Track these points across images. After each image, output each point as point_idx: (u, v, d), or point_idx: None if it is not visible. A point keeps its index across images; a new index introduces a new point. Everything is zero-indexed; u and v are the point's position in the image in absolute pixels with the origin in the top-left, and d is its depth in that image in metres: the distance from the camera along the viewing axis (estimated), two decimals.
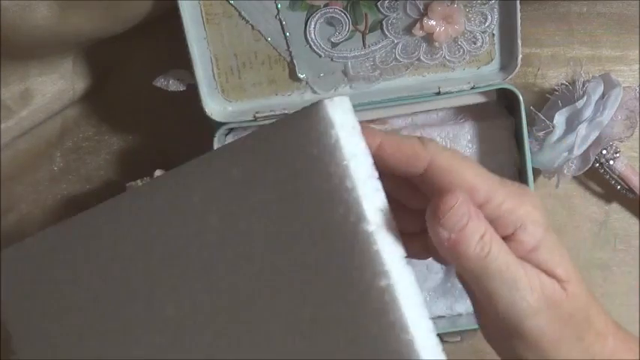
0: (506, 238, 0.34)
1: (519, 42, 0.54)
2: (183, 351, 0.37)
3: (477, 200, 0.34)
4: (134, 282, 0.38)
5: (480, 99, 0.56)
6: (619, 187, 0.59)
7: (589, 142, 0.55)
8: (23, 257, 0.43)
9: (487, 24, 0.54)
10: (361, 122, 0.34)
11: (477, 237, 0.33)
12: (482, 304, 0.35)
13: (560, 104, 0.57)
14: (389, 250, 0.32)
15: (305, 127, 0.33)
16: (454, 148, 0.57)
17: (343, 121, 0.33)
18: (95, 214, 0.41)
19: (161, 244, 0.37)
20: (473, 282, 0.34)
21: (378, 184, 0.33)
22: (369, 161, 0.34)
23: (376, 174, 0.34)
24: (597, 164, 0.58)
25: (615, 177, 0.59)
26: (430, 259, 0.37)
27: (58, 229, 0.42)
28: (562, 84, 0.58)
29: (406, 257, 0.33)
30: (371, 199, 0.33)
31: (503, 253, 0.33)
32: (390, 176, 0.35)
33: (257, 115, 0.55)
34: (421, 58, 0.56)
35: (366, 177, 0.33)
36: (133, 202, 0.39)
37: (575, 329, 0.34)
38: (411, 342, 0.31)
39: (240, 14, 0.54)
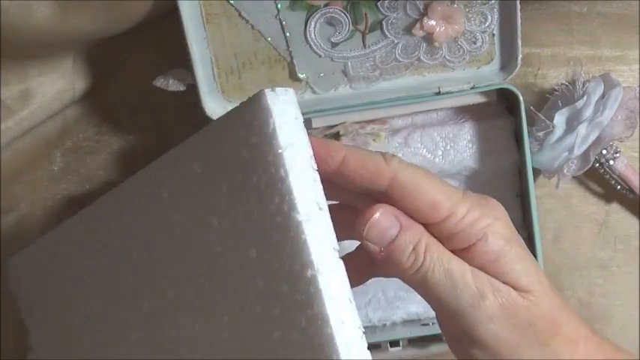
0: (466, 250, 0.34)
1: (519, 42, 0.54)
2: (156, 346, 0.38)
3: (440, 215, 0.34)
4: (120, 280, 0.39)
5: (480, 99, 0.56)
6: (619, 187, 0.59)
7: (589, 142, 0.55)
8: (29, 261, 0.44)
9: (487, 24, 0.54)
10: (324, 136, 0.35)
11: (409, 248, 0.33)
12: (435, 312, 0.35)
13: (560, 104, 0.57)
14: (318, 241, 0.32)
15: (248, 117, 0.34)
16: (454, 148, 0.57)
17: (283, 111, 0.33)
18: (85, 215, 0.41)
19: (140, 241, 0.38)
20: (418, 292, 0.34)
21: (316, 176, 0.34)
22: (308, 152, 0.34)
23: (315, 166, 0.34)
24: (597, 164, 0.58)
25: (615, 177, 0.59)
26: None
27: (55, 232, 0.43)
28: (562, 84, 0.58)
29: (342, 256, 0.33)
30: (305, 189, 0.33)
31: (442, 260, 0.33)
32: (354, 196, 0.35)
33: None
34: (421, 58, 0.56)
35: (302, 167, 0.33)
36: (115, 201, 0.39)
37: (537, 336, 0.34)
38: (331, 336, 0.31)
39: (240, 14, 0.54)
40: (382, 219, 0.32)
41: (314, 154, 0.34)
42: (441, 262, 0.33)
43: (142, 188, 0.38)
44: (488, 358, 0.34)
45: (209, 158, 0.35)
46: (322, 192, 0.34)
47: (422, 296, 0.34)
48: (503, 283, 0.34)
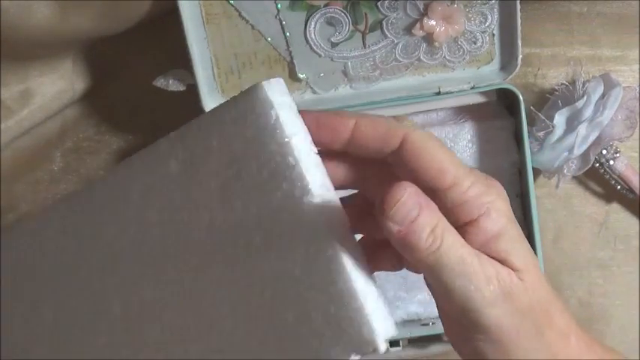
0: (468, 224, 0.34)
1: (519, 42, 0.54)
2: (131, 349, 0.37)
3: (445, 182, 0.34)
4: (84, 282, 0.39)
5: (480, 99, 0.56)
6: (619, 187, 0.59)
7: (589, 142, 0.56)
8: (7, 246, 0.43)
9: (487, 24, 0.54)
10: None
11: (427, 229, 0.32)
12: (439, 298, 0.35)
13: (560, 104, 0.57)
14: (334, 221, 0.33)
15: (242, 110, 0.34)
16: (454, 148, 0.57)
17: (281, 101, 0.34)
18: (58, 208, 0.41)
19: (106, 243, 0.38)
20: (427, 275, 0.34)
21: (318, 160, 0.34)
22: (308, 138, 0.34)
23: (315, 150, 0.34)
24: (597, 164, 0.58)
25: (615, 177, 0.59)
26: None
27: (31, 221, 0.42)
28: (562, 84, 0.59)
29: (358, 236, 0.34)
30: (313, 173, 0.33)
31: (456, 245, 0.33)
32: (364, 183, 0.36)
33: None
34: (421, 58, 0.56)
35: (307, 153, 0.34)
36: (86, 197, 0.39)
37: (534, 323, 0.34)
38: (361, 308, 0.32)
39: (240, 14, 0.54)
40: (408, 200, 0.32)
41: (327, 126, 0.34)
42: (455, 246, 0.33)
43: (107, 189, 0.38)
44: (490, 345, 0.34)
45: (191, 156, 0.35)
46: (326, 173, 0.34)
47: (429, 278, 0.34)
48: (501, 262, 0.34)
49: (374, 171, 0.36)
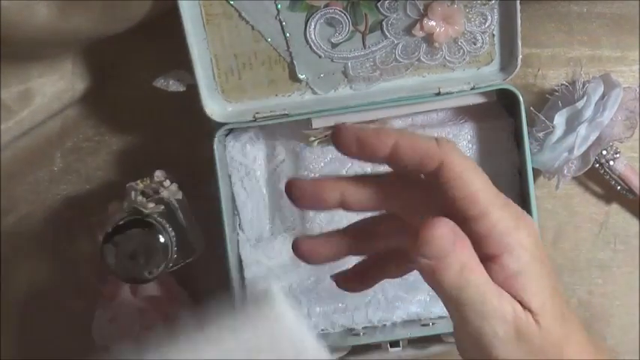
0: (491, 259, 0.34)
1: (519, 42, 0.54)
2: None
3: (474, 212, 0.34)
4: None
5: (480, 99, 0.56)
6: (619, 187, 0.59)
7: (589, 142, 0.55)
8: None
9: (487, 24, 0.54)
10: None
11: (457, 268, 0.33)
12: (454, 320, 0.35)
13: (560, 105, 0.57)
14: None
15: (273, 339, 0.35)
16: None
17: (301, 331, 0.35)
18: None
19: None
20: (446, 303, 0.34)
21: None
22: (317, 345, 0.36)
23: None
24: (597, 165, 0.58)
25: (615, 177, 0.59)
26: None
27: None
28: (562, 84, 0.59)
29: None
30: None
31: (480, 284, 0.33)
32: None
33: (257, 115, 0.55)
34: (421, 58, 0.56)
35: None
36: None
37: None
38: None
39: (240, 15, 0.54)
40: (444, 237, 0.33)
41: (366, 144, 0.34)
42: (478, 285, 0.33)
43: None
44: None
45: None
46: None
47: (447, 308, 0.35)
48: (519, 301, 0.34)
49: (410, 193, 0.36)
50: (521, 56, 0.54)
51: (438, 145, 0.34)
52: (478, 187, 0.34)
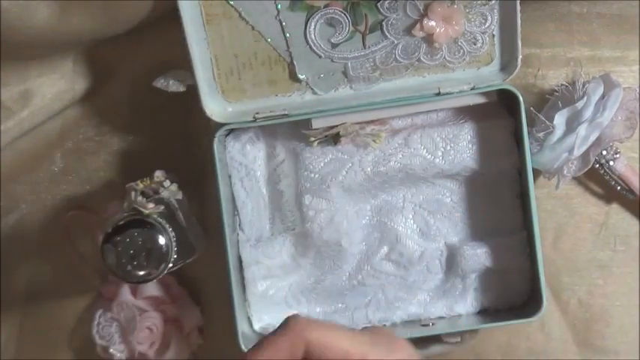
0: None
1: (519, 42, 0.54)
2: None
3: None
4: None
5: (480, 100, 0.56)
6: (619, 187, 0.59)
7: (589, 142, 0.55)
8: None
9: (487, 25, 0.54)
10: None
11: None
12: None
13: (560, 105, 0.57)
14: None
15: None
16: (454, 148, 0.57)
17: None
18: None
19: None
20: None
21: None
22: None
23: None
24: (597, 165, 0.58)
25: (615, 178, 0.59)
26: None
27: None
28: (562, 85, 0.59)
29: None
30: None
31: None
32: None
33: (257, 115, 0.55)
34: (421, 58, 0.56)
35: None
36: None
37: None
38: None
39: (240, 15, 0.54)
40: None
41: None
42: None
43: None
44: None
45: None
46: None
47: None
48: None
49: None
50: (521, 56, 0.54)
51: (296, 335, 0.35)
52: (346, 343, 0.36)
